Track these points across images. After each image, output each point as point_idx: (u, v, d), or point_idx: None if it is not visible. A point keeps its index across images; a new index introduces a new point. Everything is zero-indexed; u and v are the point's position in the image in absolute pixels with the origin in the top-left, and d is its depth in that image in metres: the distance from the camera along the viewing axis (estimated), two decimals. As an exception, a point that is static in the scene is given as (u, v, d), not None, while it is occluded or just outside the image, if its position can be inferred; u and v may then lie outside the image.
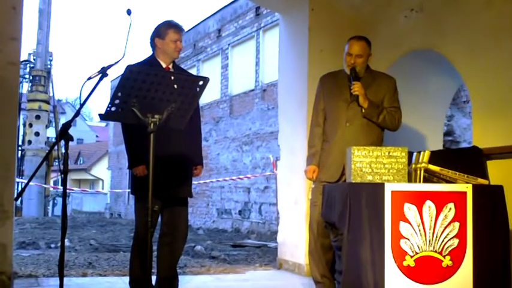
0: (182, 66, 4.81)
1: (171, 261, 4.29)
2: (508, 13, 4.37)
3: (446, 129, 11.16)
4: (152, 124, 3.10)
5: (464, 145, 11.05)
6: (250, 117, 16.90)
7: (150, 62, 4.18)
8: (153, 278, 4.17)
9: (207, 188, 18.57)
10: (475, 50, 4.64)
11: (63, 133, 2.95)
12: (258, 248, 10.35)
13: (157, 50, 4.19)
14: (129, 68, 2.94)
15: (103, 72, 2.99)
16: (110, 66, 3.02)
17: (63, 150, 3.05)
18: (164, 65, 4.18)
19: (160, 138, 3.88)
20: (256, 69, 16.83)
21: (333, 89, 4.42)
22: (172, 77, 3.16)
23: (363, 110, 4.24)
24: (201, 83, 3.23)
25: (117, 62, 3.05)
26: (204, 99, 18.90)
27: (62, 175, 2.98)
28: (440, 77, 5.70)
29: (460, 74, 4.90)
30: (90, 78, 3.01)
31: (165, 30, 4.16)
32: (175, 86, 3.13)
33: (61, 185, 3.04)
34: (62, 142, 3.04)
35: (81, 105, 3.07)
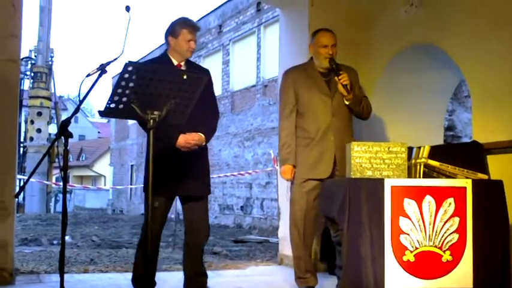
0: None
1: (194, 259, 4.25)
2: (507, 7, 4.36)
3: (448, 124, 11.16)
4: (152, 121, 3.10)
5: (465, 140, 11.04)
6: (251, 113, 16.90)
7: (161, 59, 4.14)
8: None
9: (209, 183, 18.56)
10: (475, 45, 4.63)
11: (63, 130, 2.96)
12: (259, 243, 10.37)
13: (170, 47, 4.11)
14: (128, 65, 2.94)
15: (102, 69, 2.99)
16: (108, 63, 3.01)
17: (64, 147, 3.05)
18: (176, 63, 4.11)
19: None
20: (258, 65, 16.82)
21: (307, 83, 4.36)
22: (171, 74, 3.15)
23: (346, 102, 4.26)
24: (200, 80, 3.23)
25: (116, 58, 3.04)
26: (206, 95, 18.87)
27: (62, 172, 2.98)
28: (441, 72, 5.69)
29: (460, 69, 4.89)
30: (89, 75, 3.00)
31: (180, 29, 4.04)
32: (174, 81, 3.12)
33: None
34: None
35: (80, 102, 3.07)
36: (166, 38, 4.13)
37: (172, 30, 4.07)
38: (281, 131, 4.42)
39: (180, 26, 4.05)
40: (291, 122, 4.36)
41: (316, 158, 4.28)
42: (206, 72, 4.30)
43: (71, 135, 3.00)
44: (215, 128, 4.27)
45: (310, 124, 4.32)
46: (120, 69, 2.96)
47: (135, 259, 4.23)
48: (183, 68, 4.15)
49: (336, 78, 4.24)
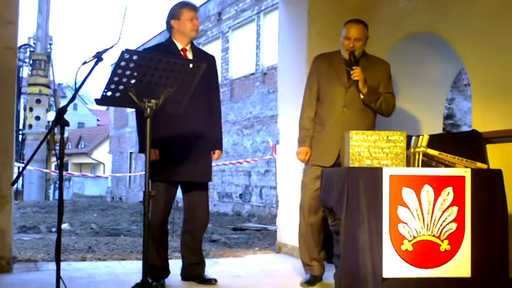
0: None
1: (192, 247, 4.28)
2: (509, -4, 4.32)
3: (447, 113, 11.14)
4: (149, 109, 3.08)
5: (464, 128, 11.02)
6: (250, 101, 16.86)
7: (166, 44, 4.19)
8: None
9: (208, 171, 18.56)
10: (476, 34, 4.60)
11: (58, 119, 2.93)
12: (258, 231, 10.38)
13: (174, 31, 4.17)
14: (124, 52, 2.92)
15: (98, 57, 2.96)
16: (105, 51, 2.98)
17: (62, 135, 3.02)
18: (181, 46, 4.16)
19: (178, 120, 3.86)
20: (257, 53, 16.75)
21: (329, 71, 4.36)
22: (169, 62, 3.11)
23: (361, 96, 4.21)
24: (197, 67, 3.20)
25: (112, 46, 3.02)
26: (205, 82, 18.82)
27: (58, 161, 2.96)
28: (441, 60, 5.66)
29: (461, 58, 4.86)
30: (85, 63, 2.98)
31: (180, 10, 4.15)
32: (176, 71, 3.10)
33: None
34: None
35: (76, 90, 3.05)
36: (168, 23, 4.18)
37: (173, 14, 4.16)
38: (301, 114, 4.46)
39: (180, 7, 4.16)
40: (312, 107, 4.40)
41: (324, 145, 4.31)
42: (211, 58, 4.32)
43: (67, 124, 2.99)
44: (221, 125, 4.37)
45: (324, 112, 4.34)
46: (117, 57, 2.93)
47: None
48: (188, 52, 4.17)
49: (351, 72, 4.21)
